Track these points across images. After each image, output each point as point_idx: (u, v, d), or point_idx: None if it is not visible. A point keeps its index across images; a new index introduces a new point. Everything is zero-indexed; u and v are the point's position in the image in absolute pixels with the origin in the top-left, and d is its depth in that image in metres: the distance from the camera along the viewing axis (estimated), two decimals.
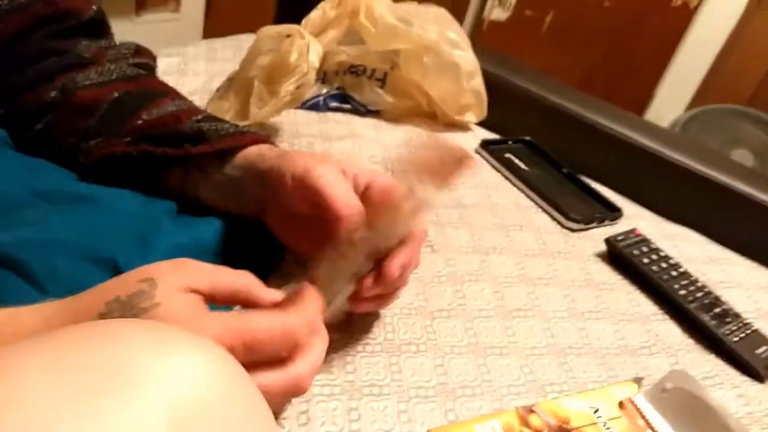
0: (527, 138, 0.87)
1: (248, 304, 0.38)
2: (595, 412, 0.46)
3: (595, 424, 0.45)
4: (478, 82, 0.85)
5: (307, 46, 0.74)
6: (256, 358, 0.35)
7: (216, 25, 2.40)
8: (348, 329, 0.50)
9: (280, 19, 1.17)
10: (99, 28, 0.59)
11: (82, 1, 0.56)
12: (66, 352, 0.25)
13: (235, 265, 0.39)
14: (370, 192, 0.46)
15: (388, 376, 0.47)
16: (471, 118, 0.87)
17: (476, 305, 0.56)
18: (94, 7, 0.57)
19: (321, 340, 0.39)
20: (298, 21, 0.80)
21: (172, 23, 2.30)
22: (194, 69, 0.87)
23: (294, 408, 0.42)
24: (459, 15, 2.23)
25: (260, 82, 0.77)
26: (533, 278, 0.61)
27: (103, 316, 0.33)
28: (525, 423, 0.43)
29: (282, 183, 0.46)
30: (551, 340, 0.54)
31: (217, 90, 0.83)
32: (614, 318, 0.59)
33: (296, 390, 0.37)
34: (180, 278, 0.36)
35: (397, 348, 0.49)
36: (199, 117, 0.53)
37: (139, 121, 0.52)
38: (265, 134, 0.53)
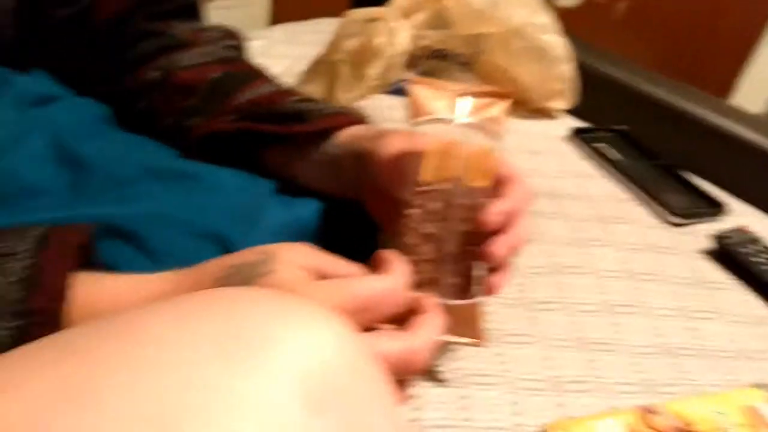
0: (620, 127, 0.83)
1: None
2: (720, 416, 0.43)
3: (720, 429, 0.42)
4: (568, 68, 0.81)
5: (395, 29, 0.72)
6: (370, 319, 0.34)
7: (282, 10, 2.42)
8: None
9: (356, 3, 1.17)
10: (192, 10, 0.59)
11: None
12: (197, 318, 0.25)
13: (331, 246, 0.38)
14: None
15: (495, 367, 0.45)
16: (559, 105, 0.83)
17: (579, 298, 0.53)
18: None
19: (435, 319, 0.37)
20: (376, 4, 0.79)
21: (240, 9, 2.34)
22: (278, 52, 0.87)
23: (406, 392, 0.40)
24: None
25: (346, 66, 0.76)
26: (637, 273, 0.58)
27: (221, 281, 0.33)
28: (647, 423, 0.40)
29: (378, 164, 0.45)
30: (660, 339, 0.51)
31: (302, 74, 0.82)
32: (726, 319, 0.55)
33: (412, 365, 0.34)
34: (296, 256, 0.35)
35: (501, 338, 0.47)
36: (297, 98, 0.53)
37: (237, 102, 0.52)
38: (363, 114, 0.52)
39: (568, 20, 0.84)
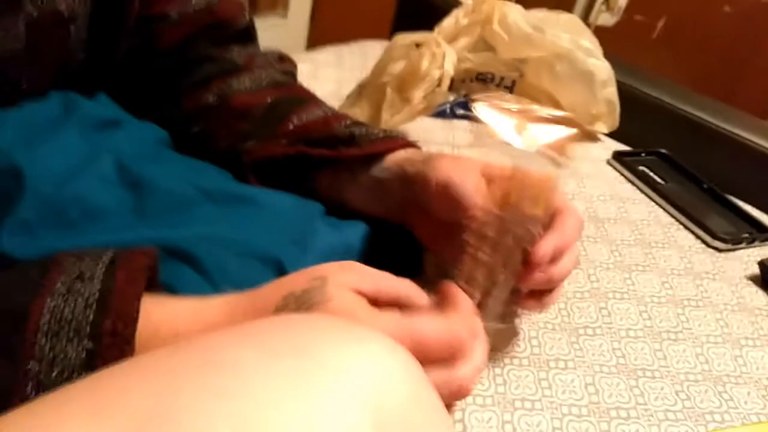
0: (662, 150, 0.83)
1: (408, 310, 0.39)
2: None
3: None
4: (611, 91, 0.82)
5: (443, 54, 0.74)
6: (421, 360, 0.35)
7: (320, 31, 2.47)
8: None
9: (398, 26, 1.19)
10: (249, 35, 0.62)
11: (237, 10, 0.59)
12: (275, 345, 0.26)
13: (378, 267, 0.40)
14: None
15: (538, 391, 0.46)
16: (602, 128, 0.84)
17: (623, 324, 0.54)
18: (246, 16, 0.60)
19: (481, 344, 0.38)
20: (418, 28, 0.81)
21: (280, 28, 2.39)
22: (324, 75, 0.90)
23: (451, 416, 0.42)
24: None
25: (392, 89, 0.78)
26: (681, 299, 0.58)
27: (279, 309, 0.34)
28: None
29: (426, 189, 0.46)
30: (705, 366, 0.51)
31: (348, 96, 0.84)
32: None
33: (459, 394, 0.36)
34: (348, 278, 0.37)
35: (544, 363, 0.48)
36: (348, 122, 0.55)
37: (291, 126, 0.54)
38: (413, 139, 0.54)
39: (604, 39, 0.85)
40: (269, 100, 0.56)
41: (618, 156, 0.80)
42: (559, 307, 0.54)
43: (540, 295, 0.44)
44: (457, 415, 0.42)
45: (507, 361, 0.48)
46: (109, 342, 0.29)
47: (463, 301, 0.38)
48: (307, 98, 0.58)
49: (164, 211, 0.47)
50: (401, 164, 0.50)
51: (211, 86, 0.56)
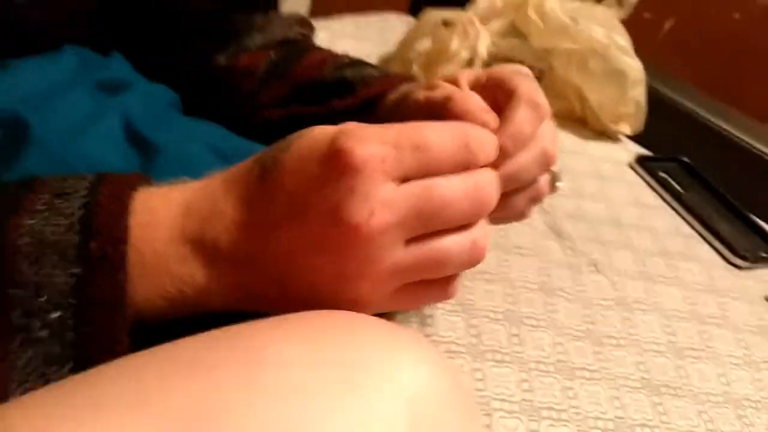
0: (682, 157, 0.81)
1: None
2: None
3: None
4: (640, 92, 0.80)
5: (476, 34, 0.71)
6: (426, 165, 0.28)
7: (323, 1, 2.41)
8: (519, 343, 0.47)
9: (416, 4, 1.15)
10: (271, 2, 0.58)
11: None
12: (320, 342, 0.25)
13: None
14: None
15: (564, 401, 0.44)
16: (625, 129, 0.82)
17: (646, 337, 0.52)
18: None
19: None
20: (439, 4, 0.77)
21: None
22: (343, 46, 0.85)
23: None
24: None
25: (419, 67, 0.74)
26: (704, 316, 0.56)
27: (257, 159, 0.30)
28: None
29: (414, 104, 0.40)
30: (727, 387, 0.50)
31: None
32: None
33: (474, 257, 0.30)
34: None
35: (571, 372, 0.47)
36: (342, 61, 0.52)
37: (291, 81, 0.51)
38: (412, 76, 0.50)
39: None
40: (272, 56, 0.53)
41: (641, 161, 0.78)
42: (583, 314, 0.52)
43: (505, 197, 0.38)
44: (484, 419, 0.40)
45: (533, 365, 0.46)
46: (98, 267, 0.26)
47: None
48: (310, 47, 0.56)
49: (173, 171, 0.45)
50: (404, 93, 0.44)
51: (226, 46, 0.53)
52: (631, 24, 2.15)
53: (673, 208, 0.72)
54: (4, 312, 0.25)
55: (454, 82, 0.40)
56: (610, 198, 0.70)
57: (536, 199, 0.41)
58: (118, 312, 0.26)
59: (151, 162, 0.44)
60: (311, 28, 0.63)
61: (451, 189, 0.28)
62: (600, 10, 0.83)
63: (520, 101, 0.36)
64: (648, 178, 0.76)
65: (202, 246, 0.28)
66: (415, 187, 0.28)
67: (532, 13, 0.76)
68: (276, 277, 0.28)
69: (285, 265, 0.28)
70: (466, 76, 0.40)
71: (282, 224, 0.28)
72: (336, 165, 0.26)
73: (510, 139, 0.35)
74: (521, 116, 0.35)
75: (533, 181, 0.39)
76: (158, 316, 0.28)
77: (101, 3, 0.47)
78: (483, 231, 0.30)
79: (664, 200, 0.73)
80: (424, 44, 0.76)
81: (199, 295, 0.28)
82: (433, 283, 0.31)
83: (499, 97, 0.38)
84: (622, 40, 0.79)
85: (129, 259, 0.26)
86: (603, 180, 0.73)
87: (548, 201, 0.66)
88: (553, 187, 0.43)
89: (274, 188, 0.28)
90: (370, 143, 0.27)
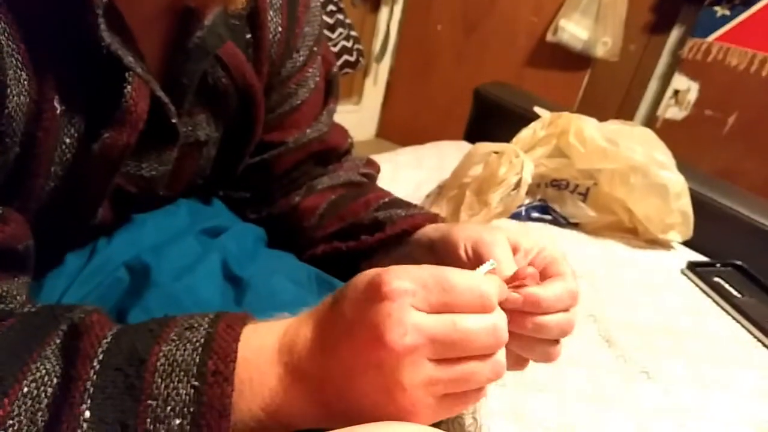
0: (738, 262, 0.84)
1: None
2: None
3: None
4: (685, 202, 0.84)
5: (521, 163, 0.79)
6: (449, 303, 0.34)
7: (391, 118, 2.61)
8: None
9: (474, 127, 1.26)
10: (347, 154, 0.68)
11: (343, 138, 0.65)
12: None
13: None
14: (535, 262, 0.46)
15: None
16: (675, 237, 0.86)
17: None
18: (350, 140, 0.67)
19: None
20: (487, 134, 0.85)
21: (353, 114, 2.54)
22: (404, 176, 0.96)
23: None
24: (629, 112, 2.21)
25: (471, 192, 0.83)
26: (758, 422, 0.58)
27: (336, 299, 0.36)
28: None
29: (454, 251, 0.47)
30: None
31: (428, 195, 0.90)
32: None
33: (496, 374, 0.36)
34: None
35: None
36: (379, 203, 0.59)
37: (342, 222, 0.59)
38: (435, 213, 0.56)
39: (672, 132, 0.87)
40: (332, 197, 0.61)
41: (692, 266, 0.81)
42: (636, 422, 0.55)
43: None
44: None
45: None
46: (212, 380, 0.33)
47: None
48: (365, 190, 0.62)
49: (260, 303, 0.53)
50: (426, 233, 0.53)
51: (301, 187, 0.62)
52: (694, 122, 2.16)
53: (728, 313, 0.74)
54: (143, 420, 0.33)
55: (515, 248, 0.46)
56: (661, 306, 0.73)
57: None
58: (223, 417, 0.33)
59: (243, 295, 0.53)
60: (375, 167, 0.73)
61: (474, 324, 0.35)
62: (639, 129, 0.90)
63: (565, 278, 0.43)
64: (701, 283, 0.78)
65: (291, 365, 0.36)
66: (443, 317, 0.35)
67: (573, 140, 0.84)
68: (340, 392, 0.35)
69: (345, 380, 0.35)
70: (525, 250, 0.46)
71: (342, 340, 0.35)
72: (377, 293, 0.34)
73: (548, 300, 0.41)
74: (561, 287, 0.42)
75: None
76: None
77: (215, 172, 0.58)
78: (502, 355, 0.36)
79: (719, 306, 0.75)
80: (476, 171, 0.85)
81: (290, 408, 0.35)
82: (468, 391, 0.37)
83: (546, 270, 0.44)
84: (662, 155, 0.85)
85: (238, 375, 0.34)
86: (653, 288, 0.76)
87: (599, 310, 0.70)
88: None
89: (338, 313, 0.36)
90: (404, 279, 0.34)
